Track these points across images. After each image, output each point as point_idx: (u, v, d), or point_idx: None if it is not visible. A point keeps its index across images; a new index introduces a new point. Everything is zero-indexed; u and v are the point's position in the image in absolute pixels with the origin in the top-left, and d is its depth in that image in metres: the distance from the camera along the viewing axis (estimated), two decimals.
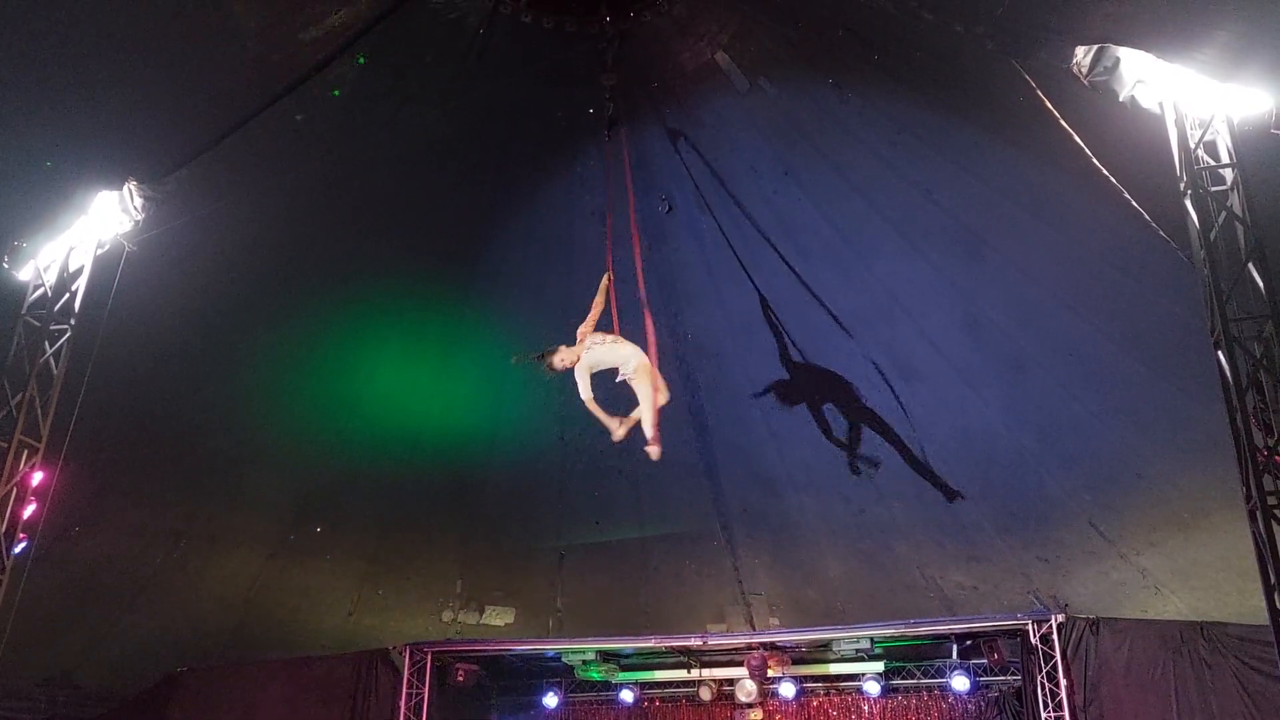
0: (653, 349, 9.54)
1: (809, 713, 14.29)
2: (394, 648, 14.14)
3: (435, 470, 14.22)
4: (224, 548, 13.78)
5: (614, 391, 9.61)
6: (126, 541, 12.87)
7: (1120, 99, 8.16)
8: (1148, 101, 8.09)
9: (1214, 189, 7.87)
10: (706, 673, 14.32)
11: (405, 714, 13.61)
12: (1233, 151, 7.79)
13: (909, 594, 13.98)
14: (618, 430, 9.23)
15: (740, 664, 13.78)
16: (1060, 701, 11.77)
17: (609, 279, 9.88)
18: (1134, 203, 9.48)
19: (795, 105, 11.85)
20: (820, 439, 13.64)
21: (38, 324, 9.54)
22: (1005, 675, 13.23)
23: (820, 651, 13.83)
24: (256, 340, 12.46)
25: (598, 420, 9.23)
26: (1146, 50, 7.93)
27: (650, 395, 9.18)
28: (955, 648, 13.54)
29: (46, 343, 9.52)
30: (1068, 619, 12.07)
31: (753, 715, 14.10)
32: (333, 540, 14.40)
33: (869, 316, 12.98)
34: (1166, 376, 10.68)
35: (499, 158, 12.51)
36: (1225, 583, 11.44)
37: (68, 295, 9.70)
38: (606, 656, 14.41)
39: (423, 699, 13.74)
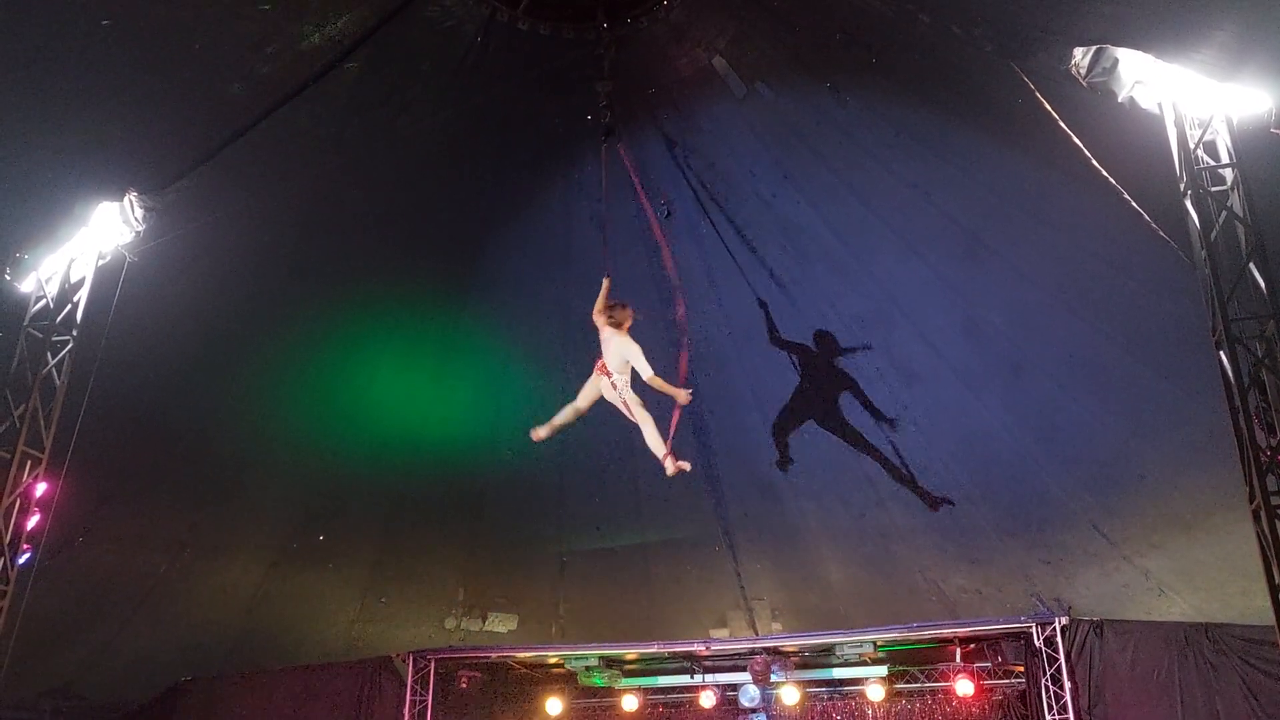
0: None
1: (813, 717, 14.28)
2: (397, 655, 14.13)
3: (436, 477, 14.20)
4: (227, 557, 13.77)
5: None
6: (130, 552, 12.85)
7: (1119, 100, 8.17)
8: (1147, 102, 8.10)
9: (1214, 189, 7.88)
10: (709, 678, 14.31)
11: None
12: (1232, 151, 7.80)
13: (911, 598, 13.96)
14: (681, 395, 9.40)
15: (743, 669, 13.76)
16: (1065, 704, 11.75)
17: (608, 283, 9.96)
18: (1134, 203, 9.48)
19: (793, 109, 11.86)
20: (819, 442, 13.64)
21: (40, 335, 9.55)
22: (1009, 678, 13.21)
23: (823, 656, 13.80)
24: (257, 349, 12.46)
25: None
26: (1145, 51, 7.95)
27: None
28: (958, 651, 13.50)
29: (49, 354, 9.54)
30: (1071, 621, 12.04)
31: None
32: (335, 548, 14.38)
33: (868, 319, 12.98)
34: (1168, 377, 10.67)
35: (496, 165, 12.52)
36: (1229, 583, 11.43)
37: (70, 306, 9.72)
38: (609, 662, 14.38)
39: (426, 706, 13.73)
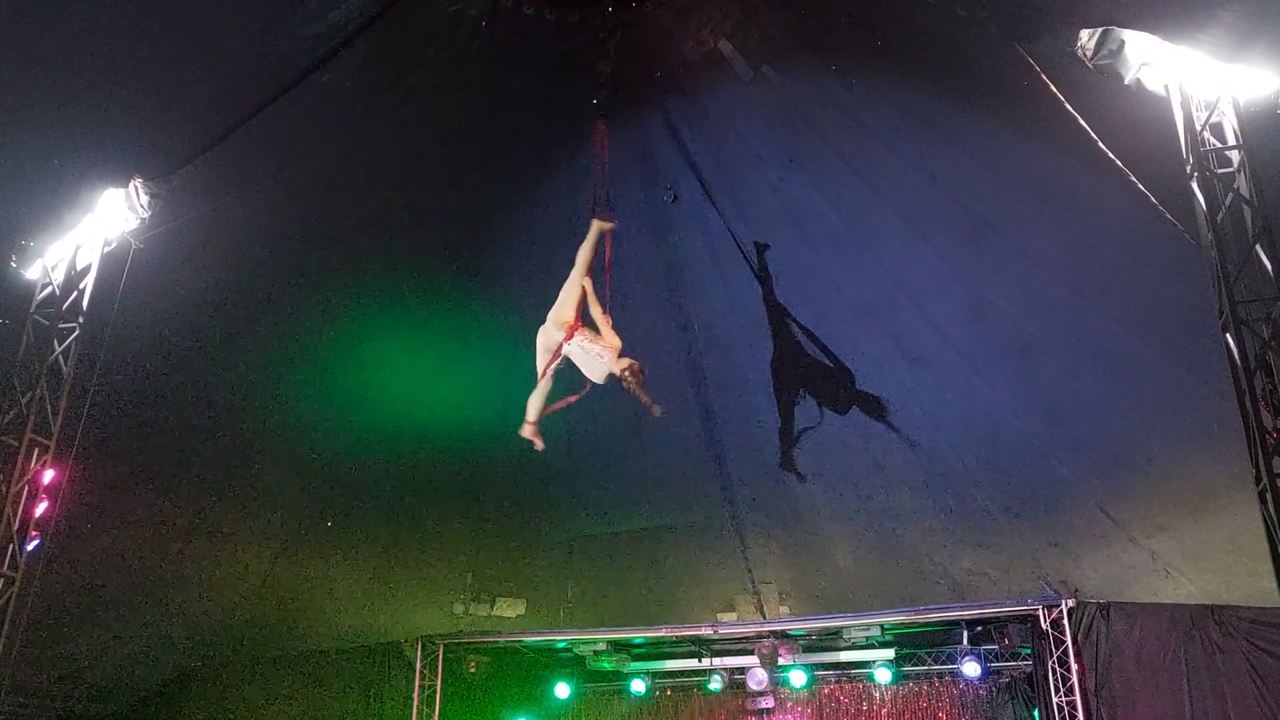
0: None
1: (820, 700, 14.33)
2: (406, 640, 14.19)
3: (444, 463, 14.24)
4: (235, 543, 13.80)
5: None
6: (138, 538, 12.89)
7: (1125, 82, 8.12)
8: (1153, 84, 8.05)
9: (1220, 171, 7.84)
10: (718, 661, 14.37)
11: (418, 706, 13.65)
12: (1239, 133, 7.76)
13: (919, 581, 13.98)
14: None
15: (751, 652, 13.81)
16: (1071, 685, 11.78)
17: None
18: (1140, 186, 9.44)
19: (799, 92, 11.82)
20: (827, 427, 13.64)
21: (46, 323, 9.57)
22: (1016, 660, 13.23)
23: (831, 639, 13.83)
24: (264, 335, 12.47)
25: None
26: (1151, 32, 7.89)
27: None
28: (966, 634, 13.53)
29: (55, 341, 9.55)
30: (1078, 603, 12.06)
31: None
32: (343, 534, 14.42)
33: (875, 304, 12.96)
34: (1174, 360, 10.65)
35: (502, 151, 12.49)
36: (1236, 565, 11.42)
37: (76, 294, 9.72)
38: (618, 646, 14.43)
39: (435, 691, 13.79)
